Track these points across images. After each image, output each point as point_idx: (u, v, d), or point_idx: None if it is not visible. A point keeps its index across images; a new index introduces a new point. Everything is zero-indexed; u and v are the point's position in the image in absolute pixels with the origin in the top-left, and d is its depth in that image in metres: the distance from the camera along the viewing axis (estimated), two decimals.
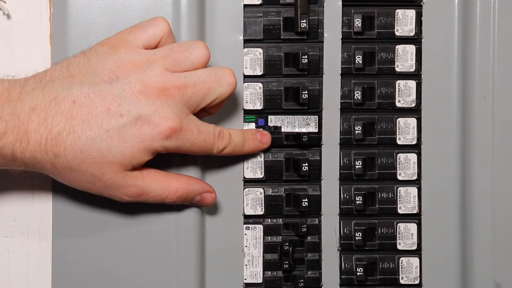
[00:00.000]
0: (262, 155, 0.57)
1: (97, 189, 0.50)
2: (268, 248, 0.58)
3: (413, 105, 0.58)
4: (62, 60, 0.50)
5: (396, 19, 0.57)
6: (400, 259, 0.58)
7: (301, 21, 0.55)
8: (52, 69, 0.50)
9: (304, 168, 0.56)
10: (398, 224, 0.58)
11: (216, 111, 0.54)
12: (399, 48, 0.57)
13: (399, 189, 0.58)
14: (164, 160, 0.54)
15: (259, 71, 0.57)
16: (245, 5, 0.56)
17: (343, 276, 0.58)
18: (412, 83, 0.58)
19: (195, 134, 0.50)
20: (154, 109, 0.48)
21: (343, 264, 0.58)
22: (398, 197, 0.58)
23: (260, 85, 0.57)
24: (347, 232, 0.58)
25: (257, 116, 0.57)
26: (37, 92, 0.48)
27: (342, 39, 0.57)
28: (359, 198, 0.57)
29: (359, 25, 0.57)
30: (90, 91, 0.48)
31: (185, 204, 0.55)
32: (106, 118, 0.48)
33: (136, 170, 0.50)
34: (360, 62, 0.57)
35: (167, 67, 0.50)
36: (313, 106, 0.57)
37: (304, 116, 0.57)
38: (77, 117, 0.47)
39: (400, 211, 0.58)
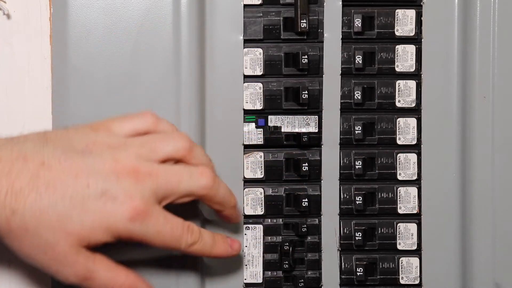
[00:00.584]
0: (262, 155, 0.57)
1: (46, 261, 0.47)
2: (268, 248, 0.58)
3: (413, 105, 0.58)
4: (40, 131, 0.50)
5: (396, 19, 0.57)
6: (400, 259, 0.58)
7: (301, 21, 0.55)
8: (29, 134, 0.49)
9: (304, 168, 0.56)
10: (398, 224, 0.58)
11: (230, 215, 0.53)
12: (399, 48, 0.57)
13: (399, 189, 0.58)
14: None
15: (259, 71, 0.57)
16: (245, 5, 0.56)
17: (343, 276, 0.58)
18: (412, 83, 0.58)
19: (161, 222, 0.48)
20: (122, 188, 0.47)
21: (343, 264, 0.58)
22: (398, 197, 0.58)
23: (260, 85, 0.57)
24: (347, 232, 0.58)
25: (257, 116, 0.57)
26: (6, 147, 0.46)
27: (342, 39, 0.57)
28: (359, 198, 0.57)
29: (359, 25, 0.57)
30: (62, 156, 0.47)
31: None
32: (72, 185, 0.46)
33: (89, 251, 0.48)
34: (360, 62, 0.57)
35: (142, 154, 0.49)
36: (313, 106, 0.57)
37: (304, 116, 0.57)
38: (43, 178, 0.46)
39: (400, 211, 0.58)
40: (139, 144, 0.49)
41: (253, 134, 0.57)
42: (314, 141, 0.57)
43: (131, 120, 0.51)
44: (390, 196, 0.58)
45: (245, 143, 0.57)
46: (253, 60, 0.56)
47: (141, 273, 0.53)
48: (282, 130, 0.57)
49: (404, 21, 0.57)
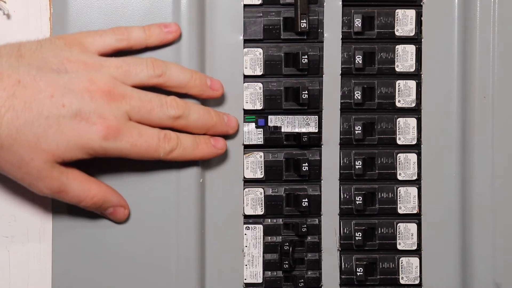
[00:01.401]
0: (262, 155, 0.57)
1: (20, 175, 0.49)
2: (268, 248, 0.58)
3: (413, 105, 0.58)
4: (14, 42, 0.50)
5: (396, 19, 0.57)
6: (400, 259, 0.58)
7: (301, 21, 0.55)
8: (1, 46, 0.49)
9: (304, 168, 0.56)
10: (398, 224, 0.58)
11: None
12: (399, 48, 0.57)
13: (399, 189, 0.58)
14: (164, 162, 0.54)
15: (259, 71, 0.57)
16: (245, 5, 0.56)
17: (343, 276, 0.58)
18: (412, 83, 0.58)
19: (135, 136, 0.50)
20: (95, 108, 0.48)
21: (343, 264, 0.58)
22: (398, 197, 0.58)
23: (260, 85, 0.57)
24: (347, 232, 0.58)
25: (257, 116, 0.57)
26: None
27: (342, 39, 0.57)
28: (359, 198, 0.57)
29: (359, 25, 0.57)
30: (37, 74, 0.48)
31: (96, 212, 0.54)
32: (47, 104, 0.47)
33: (63, 165, 0.50)
34: (360, 62, 0.57)
35: (117, 76, 0.50)
36: (313, 106, 0.57)
37: (304, 116, 0.57)
38: (19, 97, 0.47)
39: (400, 211, 0.58)
40: (114, 66, 0.50)
41: (253, 134, 0.57)
42: (314, 141, 0.57)
43: (103, 35, 0.52)
44: (390, 196, 0.58)
45: (245, 143, 0.57)
46: (253, 60, 0.56)
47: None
48: (282, 130, 0.57)
49: (404, 21, 0.57)
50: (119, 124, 0.49)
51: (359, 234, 0.57)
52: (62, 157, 0.49)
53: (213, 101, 0.56)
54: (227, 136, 0.56)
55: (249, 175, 0.57)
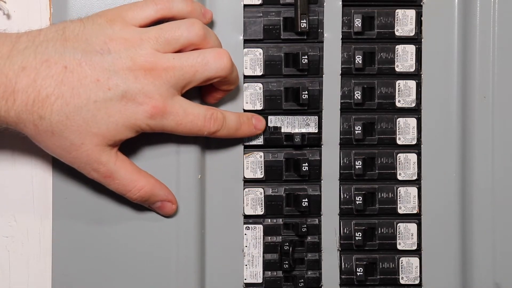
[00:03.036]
0: (262, 155, 0.57)
1: (70, 158, 0.50)
2: (268, 248, 0.58)
3: (413, 105, 0.58)
4: (59, 23, 0.51)
5: (396, 19, 0.57)
6: (400, 259, 0.58)
7: (301, 21, 0.55)
8: (47, 29, 0.50)
9: (304, 168, 0.56)
10: (398, 224, 0.58)
11: (226, 89, 0.54)
12: (399, 48, 0.57)
13: (399, 189, 0.58)
14: (164, 160, 0.54)
15: (259, 71, 0.57)
16: (245, 5, 0.56)
17: (343, 276, 0.58)
18: (412, 83, 0.58)
19: (180, 114, 0.51)
20: (140, 87, 0.49)
21: (343, 264, 0.58)
22: (398, 197, 0.58)
23: (260, 85, 0.57)
24: (347, 232, 0.58)
25: None
26: (29, 51, 0.48)
27: (342, 39, 0.57)
28: (359, 198, 0.57)
29: (359, 25, 0.57)
30: (82, 59, 0.48)
31: (144, 205, 0.55)
32: (94, 89, 0.48)
33: (113, 150, 0.51)
34: (360, 62, 0.57)
35: (158, 48, 0.50)
36: (313, 106, 0.57)
37: (304, 117, 0.57)
38: (67, 83, 0.48)
39: (400, 211, 0.58)
40: (154, 37, 0.50)
41: None
42: (314, 141, 0.57)
43: (143, 7, 0.52)
44: (390, 196, 0.58)
45: (245, 143, 0.57)
46: (253, 60, 0.56)
47: None
48: (282, 130, 0.57)
49: (404, 21, 0.57)
50: (165, 102, 0.50)
51: (359, 234, 0.57)
52: (112, 139, 0.50)
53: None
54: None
55: (249, 175, 0.57)
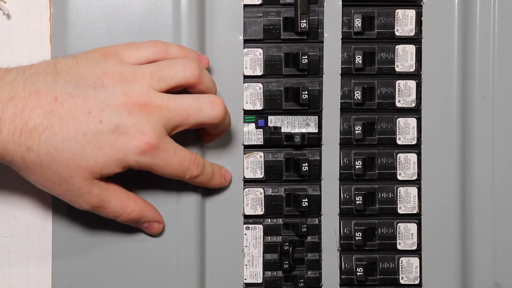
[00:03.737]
0: (262, 155, 0.57)
1: (60, 191, 0.49)
2: (268, 248, 0.58)
3: (413, 105, 0.58)
4: (51, 59, 0.50)
5: (396, 19, 0.57)
6: (400, 259, 0.58)
7: (301, 21, 0.55)
8: (38, 64, 0.49)
9: (304, 168, 0.56)
10: (398, 224, 0.58)
11: (216, 133, 0.54)
12: (399, 48, 0.57)
13: (399, 189, 0.58)
14: None
15: (259, 71, 0.57)
16: (245, 5, 0.56)
17: (343, 276, 0.58)
18: (412, 83, 0.58)
19: (170, 154, 0.50)
20: (134, 122, 0.48)
21: (343, 264, 0.58)
22: (398, 197, 0.58)
23: (260, 85, 0.57)
24: (347, 232, 0.58)
25: (257, 117, 0.57)
26: (17, 82, 0.47)
27: (342, 39, 0.57)
28: (359, 198, 0.57)
29: (359, 25, 0.57)
30: (74, 91, 0.47)
31: (131, 225, 0.54)
32: (85, 121, 0.47)
33: (102, 181, 0.50)
34: (360, 62, 0.57)
35: (153, 85, 0.49)
36: (313, 106, 0.57)
37: (304, 117, 0.57)
38: (57, 115, 0.47)
39: (400, 211, 0.58)
40: (148, 74, 0.50)
41: (253, 134, 0.57)
42: (314, 141, 0.57)
43: (140, 48, 0.52)
44: (390, 196, 0.58)
45: (245, 143, 0.57)
46: (253, 60, 0.56)
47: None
48: (282, 130, 0.57)
49: (404, 21, 0.57)
50: (158, 139, 0.49)
51: (359, 234, 0.57)
52: (100, 172, 0.48)
53: None
54: (226, 137, 0.56)
55: (249, 175, 0.57)
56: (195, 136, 0.56)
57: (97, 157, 0.48)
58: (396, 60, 0.57)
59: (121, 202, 0.51)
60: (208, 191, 0.56)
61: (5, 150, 0.47)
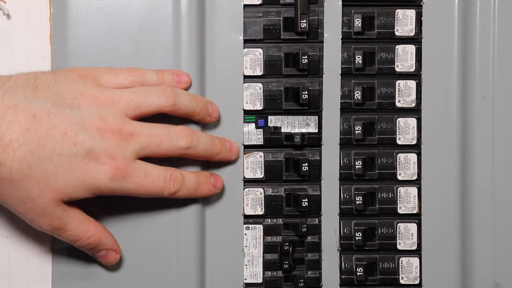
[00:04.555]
0: (262, 155, 0.57)
1: (23, 209, 0.49)
2: (268, 248, 0.58)
3: (413, 105, 0.58)
4: (30, 72, 0.50)
5: (396, 19, 0.57)
6: (400, 259, 0.58)
7: (301, 21, 0.55)
8: (17, 76, 0.49)
9: (304, 168, 0.56)
10: (398, 224, 0.58)
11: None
12: (399, 48, 0.57)
13: (399, 189, 0.58)
14: (164, 160, 0.54)
15: (259, 71, 0.57)
16: (245, 5, 0.56)
17: (343, 276, 0.58)
18: (412, 83, 0.58)
19: (141, 177, 0.50)
20: (106, 147, 0.48)
21: (343, 264, 0.58)
22: (398, 197, 0.58)
23: (260, 85, 0.57)
24: (347, 232, 0.58)
25: (257, 117, 0.57)
26: None
27: (342, 39, 0.57)
28: (359, 198, 0.57)
29: (359, 25, 0.57)
30: (52, 109, 0.47)
31: (88, 253, 0.54)
32: (60, 142, 0.47)
33: (66, 204, 0.50)
34: (360, 62, 0.57)
35: (127, 111, 0.50)
36: (313, 106, 0.57)
37: (304, 117, 0.57)
38: (34, 132, 0.47)
39: (400, 211, 0.58)
40: (125, 100, 0.50)
41: (253, 134, 0.57)
42: (314, 141, 0.57)
43: (118, 74, 0.52)
44: (390, 196, 0.58)
45: (245, 143, 0.57)
46: (253, 60, 0.56)
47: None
48: (282, 130, 0.57)
49: (404, 21, 0.57)
50: (127, 165, 0.49)
51: (359, 234, 0.57)
52: (68, 195, 0.49)
53: (213, 102, 0.56)
54: (226, 137, 0.56)
55: (249, 175, 0.57)
56: None
57: (69, 180, 0.48)
58: (396, 60, 0.57)
59: (82, 225, 0.51)
60: None
61: None
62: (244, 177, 0.57)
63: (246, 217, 0.57)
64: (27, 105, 0.47)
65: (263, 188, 0.57)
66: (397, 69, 0.58)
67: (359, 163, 0.57)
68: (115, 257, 0.54)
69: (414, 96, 0.58)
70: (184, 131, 0.52)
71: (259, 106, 0.57)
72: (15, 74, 0.49)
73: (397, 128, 0.58)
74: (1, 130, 0.46)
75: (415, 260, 0.58)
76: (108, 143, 0.48)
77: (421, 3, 0.57)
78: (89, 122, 0.48)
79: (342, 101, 0.57)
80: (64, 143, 0.47)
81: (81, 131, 0.48)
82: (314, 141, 0.57)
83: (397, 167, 0.58)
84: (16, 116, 0.46)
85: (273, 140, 0.57)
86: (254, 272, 0.58)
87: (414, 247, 0.58)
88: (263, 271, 0.58)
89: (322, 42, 0.57)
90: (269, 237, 0.58)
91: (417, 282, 0.58)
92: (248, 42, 0.57)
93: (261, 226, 0.58)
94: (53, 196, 0.48)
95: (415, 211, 0.58)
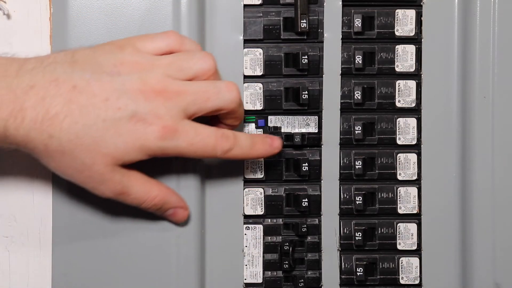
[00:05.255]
0: None
1: (82, 179, 0.49)
2: (268, 248, 0.58)
3: (413, 105, 0.58)
4: (68, 49, 0.51)
5: (396, 19, 0.57)
6: (400, 259, 0.58)
7: (301, 21, 0.55)
8: (56, 53, 0.50)
9: (304, 168, 0.56)
10: (398, 224, 0.58)
11: (231, 123, 0.54)
12: (399, 48, 0.57)
13: (399, 189, 0.58)
14: (164, 161, 0.54)
15: (259, 71, 0.57)
16: (245, 5, 0.56)
17: (343, 276, 0.58)
18: (412, 83, 0.58)
19: (191, 134, 0.50)
20: (150, 108, 0.48)
21: (343, 264, 0.58)
22: (398, 197, 0.58)
23: (260, 85, 0.57)
24: (347, 232, 0.58)
25: (257, 117, 0.57)
26: (37, 71, 0.48)
27: (342, 39, 0.57)
28: (359, 198, 0.57)
29: (359, 25, 0.57)
30: (91, 78, 0.48)
31: (156, 214, 0.54)
32: (103, 108, 0.48)
33: (124, 168, 0.50)
34: (360, 62, 0.57)
35: (170, 74, 0.50)
36: (313, 106, 0.57)
37: (304, 117, 0.57)
38: (76, 102, 0.47)
39: (400, 211, 0.58)
40: (166, 63, 0.50)
41: None
42: (314, 141, 0.57)
43: (156, 38, 0.52)
44: (390, 196, 0.58)
45: None
46: (253, 60, 0.56)
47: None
48: (282, 130, 0.57)
49: (404, 21, 0.57)
50: (175, 123, 0.49)
51: (359, 234, 0.57)
52: (122, 159, 0.49)
53: None
54: None
55: (249, 175, 0.57)
56: None
57: (118, 144, 0.48)
58: (396, 60, 0.57)
59: (144, 187, 0.51)
60: (208, 190, 0.56)
61: (28, 137, 0.47)
62: (244, 177, 0.57)
63: (246, 217, 0.57)
64: (67, 77, 0.48)
65: (263, 188, 0.57)
66: (397, 69, 0.58)
67: (359, 163, 0.57)
68: (184, 214, 0.54)
69: (414, 96, 0.58)
70: (232, 85, 0.51)
71: (259, 106, 0.57)
72: (55, 52, 0.50)
73: (397, 128, 0.58)
74: (46, 104, 0.47)
75: (415, 260, 0.58)
76: (152, 104, 0.48)
77: (421, 3, 0.57)
78: (130, 86, 0.48)
79: (342, 101, 0.57)
80: (108, 109, 0.48)
81: (123, 96, 0.48)
82: (314, 141, 0.57)
83: (397, 167, 0.58)
84: (58, 89, 0.47)
85: None
86: (254, 272, 0.58)
87: (414, 247, 0.58)
88: (263, 271, 0.58)
89: (322, 42, 0.57)
90: (269, 237, 0.58)
91: (417, 282, 0.58)
92: (248, 42, 0.57)
93: (261, 226, 0.58)
94: (107, 161, 0.49)
95: (415, 211, 0.58)
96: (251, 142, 0.53)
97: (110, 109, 0.48)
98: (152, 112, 0.48)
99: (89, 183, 0.50)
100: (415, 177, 0.58)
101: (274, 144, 0.54)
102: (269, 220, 0.58)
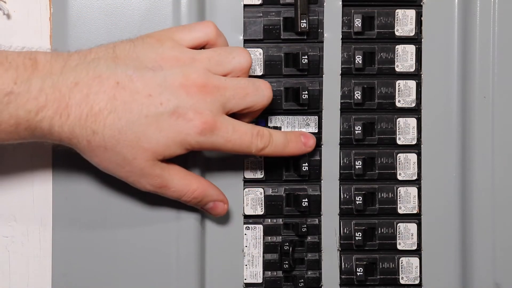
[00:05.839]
0: None
1: (123, 173, 0.50)
2: (268, 248, 0.58)
3: (413, 105, 0.58)
4: (108, 43, 0.51)
5: (396, 19, 0.57)
6: (400, 259, 0.58)
7: (301, 21, 0.55)
8: (97, 48, 0.50)
9: (304, 168, 0.56)
10: (398, 224, 0.58)
11: (248, 120, 0.54)
12: (399, 48, 0.57)
13: (399, 189, 0.58)
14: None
15: (259, 71, 0.57)
16: (245, 5, 0.56)
17: (343, 276, 0.58)
18: (412, 83, 0.58)
19: (229, 131, 0.50)
20: (191, 104, 0.49)
21: (343, 264, 0.58)
22: (398, 197, 0.58)
23: None
24: (347, 232, 0.58)
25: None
26: (80, 68, 0.48)
27: (342, 39, 0.57)
28: (359, 198, 0.57)
29: (359, 25, 0.57)
30: (134, 74, 0.49)
31: (196, 207, 0.55)
32: (146, 103, 0.48)
33: (164, 162, 0.51)
34: (360, 62, 0.57)
35: (209, 68, 0.51)
36: (313, 106, 0.57)
37: (304, 117, 0.57)
38: (119, 98, 0.48)
39: (400, 211, 0.58)
40: (206, 58, 0.51)
41: None
42: None
43: (194, 29, 0.52)
44: (390, 196, 0.58)
45: None
46: (253, 60, 0.56)
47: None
48: (282, 130, 0.57)
49: (404, 21, 0.57)
50: (215, 119, 0.50)
51: (359, 234, 0.57)
52: (162, 154, 0.50)
53: None
54: None
55: (249, 175, 0.57)
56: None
57: (159, 139, 0.49)
58: (396, 60, 0.57)
59: (183, 180, 0.52)
60: None
61: (72, 134, 0.48)
62: (244, 177, 0.57)
63: (246, 217, 0.57)
64: (110, 74, 0.48)
65: (263, 188, 0.57)
66: (397, 69, 0.58)
67: (359, 163, 0.57)
68: (223, 207, 0.55)
69: (414, 96, 0.58)
70: (266, 82, 0.52)
71: None
72: (96, 47, 0.51)
73: (397, 128, 0.58)
74: (90, 101, 0.48)
75: (415, 260, 0.58)
76: (193, 99, 0.49)
77: (421, 3, 0.57)
78: (172, 81, 0.49)
79: (342, 101, 0.57)
80: (150, 104, 0.48)
81: (165, 91, 0.49)
82: None
83: (397, 167, 0.58)
84: (101, 86, 0.48)
85: None
86: (254, 272, 0.58)
87: (414, 247, 0.58)
88: (263, 271, 0.58)
89: (322, 42, 0.57)
90: (269, 237, 0.58)
91: (417, 282, 0.58)
92: (248, 42, 0.57)
93: (261, 226, 0.58)
94: (147, 156, 0.49)
95: (415, 211, 0.58)
96: (285, 140, 0.54)
97: (153, 105, 0.49)
98: (193, 107, 0.49)
99: (130, 178, 0.51)
100: (415, 177, 0.58)
101: (308, 143, 0.55)
102: (269, 220, 0.58)
